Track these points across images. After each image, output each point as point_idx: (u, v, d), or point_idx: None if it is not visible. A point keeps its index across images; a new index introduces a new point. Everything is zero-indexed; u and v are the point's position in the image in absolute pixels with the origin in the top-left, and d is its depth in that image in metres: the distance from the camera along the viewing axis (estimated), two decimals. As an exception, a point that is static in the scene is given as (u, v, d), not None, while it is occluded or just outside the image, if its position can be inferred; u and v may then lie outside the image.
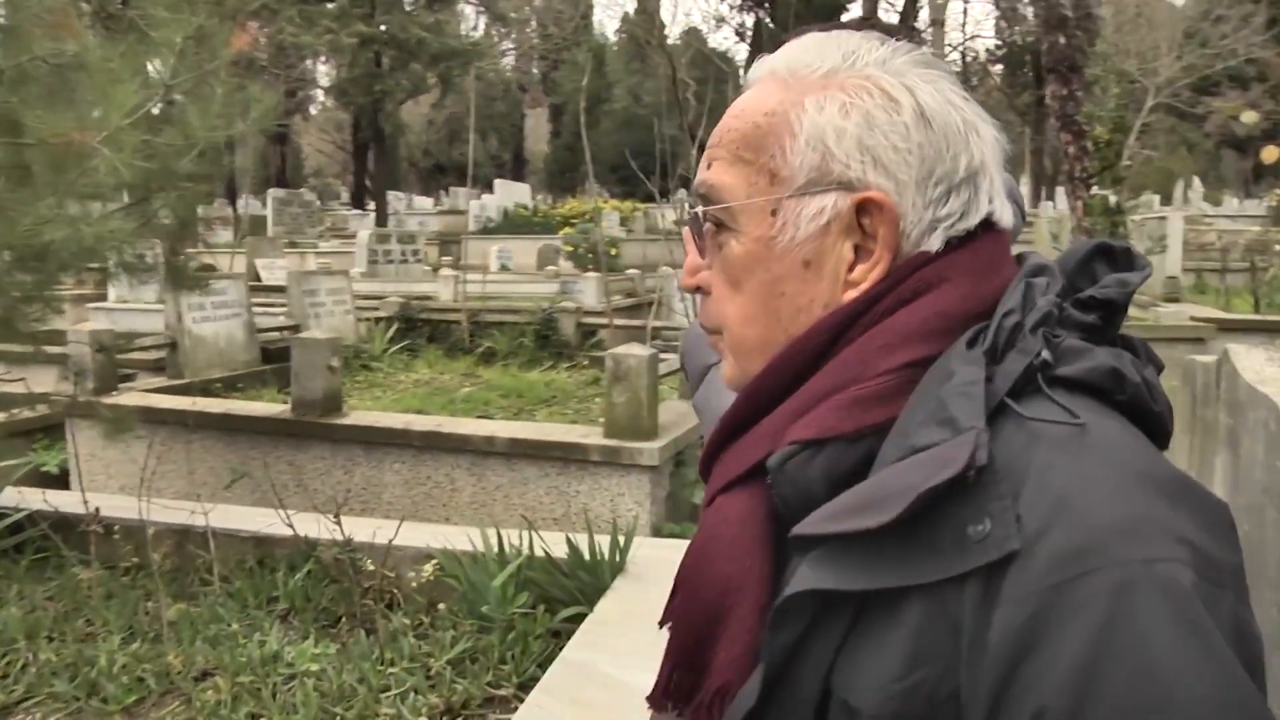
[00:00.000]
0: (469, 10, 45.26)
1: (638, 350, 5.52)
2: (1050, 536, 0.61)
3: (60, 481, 6.40)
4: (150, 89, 4.13)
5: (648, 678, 2.44)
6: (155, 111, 4.31)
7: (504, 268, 18.95)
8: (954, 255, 0.79)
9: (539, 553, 3.89)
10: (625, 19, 53.49)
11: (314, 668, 3.45)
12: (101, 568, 4.32)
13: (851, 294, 0.80)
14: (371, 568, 4.05)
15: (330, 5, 28.66)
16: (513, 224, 26.42)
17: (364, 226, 28.65)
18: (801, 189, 0.80)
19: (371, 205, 37.12)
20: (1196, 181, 32.02)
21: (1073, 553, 0.60)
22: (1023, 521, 0.62)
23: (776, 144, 0.81)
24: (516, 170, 54.55)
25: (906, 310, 0.77)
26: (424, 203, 40.29)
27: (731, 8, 47.78)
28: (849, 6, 41.73)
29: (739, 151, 0.83)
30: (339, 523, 3.98)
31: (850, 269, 0.80)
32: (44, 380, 6.20)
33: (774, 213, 0.81)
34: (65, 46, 4.09)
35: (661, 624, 0.84)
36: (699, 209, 0.85)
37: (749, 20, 47.30)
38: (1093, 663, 0.57)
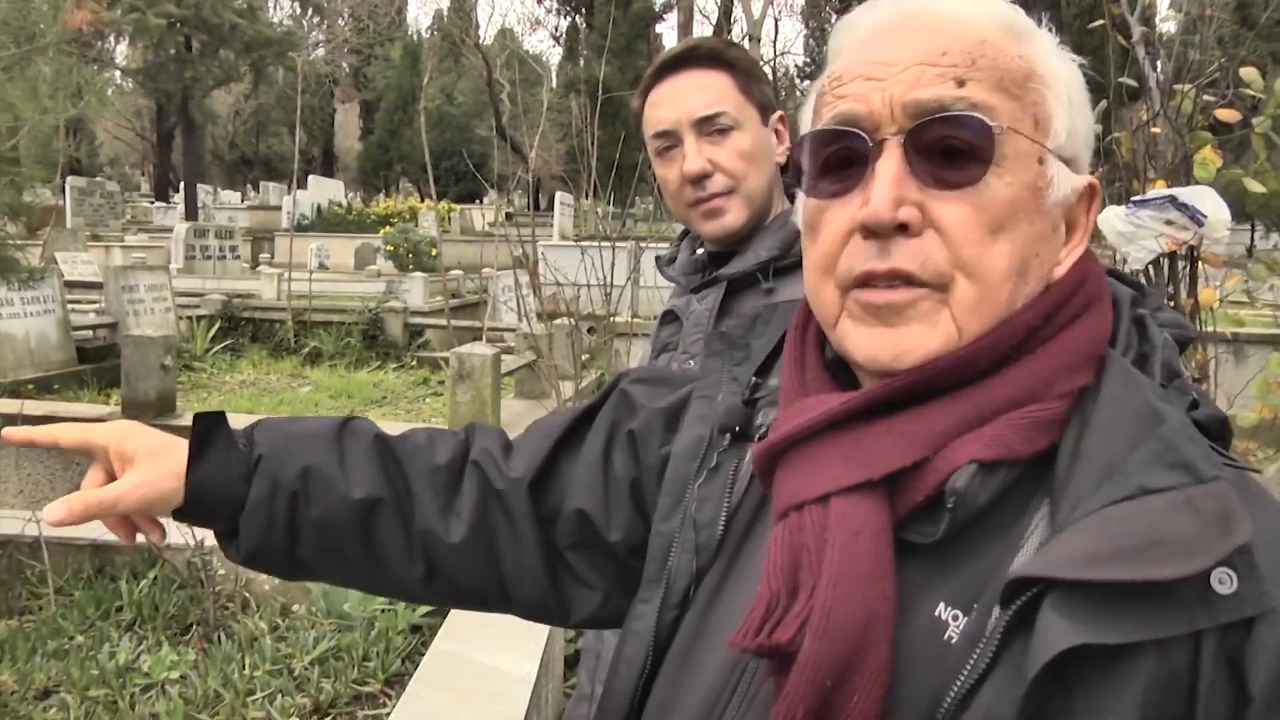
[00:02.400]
0: (282, -2, 43.97)
1: (481, 349, 5.60)
2: None
3: None
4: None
5: (519, 663, 2.57)
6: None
7: (321, 266, 18.55)
8: (1097, 266, 0.78)
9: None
10: (439, 17, 52.93)
11: (174, 675, 3.38)
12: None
13: (1059, 271, 0.76)
14: (223, 571, 4.00)
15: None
16: (327, 222, 25.88)
17: (170, 220, 27.48)
18: (1059, 150, 0.75)
19: (176, 197, 35.56)
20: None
21: None
22: (1261, 572, 0.61)
23: (1039, 90, 0.75)
24: (326, 166, 53.14)
25: (1077, 329, 0.74)
26: (231, 196, 38.94)
27: (548, 11, 48.03)
28: (665, 16, 42.58)
29: (1003, 82, 0.73)
30: (190, 526, 3.91)
31: (1060, 249, 0.77)
32: None
33: (1041, 160, 0.74)
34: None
35: (761, 651, 0.71)
36: (957, 123, 0.72)
37: (564, 24, 47.67)
38: None
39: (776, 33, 46.65)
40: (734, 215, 1.64)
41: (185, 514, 1.00)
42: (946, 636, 0.68)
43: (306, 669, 3.45)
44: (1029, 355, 0.72)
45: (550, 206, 28.22)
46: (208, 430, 1.01)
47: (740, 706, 0.75)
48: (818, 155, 0.77)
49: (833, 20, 41.30)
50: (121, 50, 39.34)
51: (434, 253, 17.24)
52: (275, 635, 3.73)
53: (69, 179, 23.88)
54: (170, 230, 23.49)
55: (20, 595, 4.13)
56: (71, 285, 12.17)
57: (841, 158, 0.75)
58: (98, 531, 4.27)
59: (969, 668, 0.64)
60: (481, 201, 41.38)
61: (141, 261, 11.68)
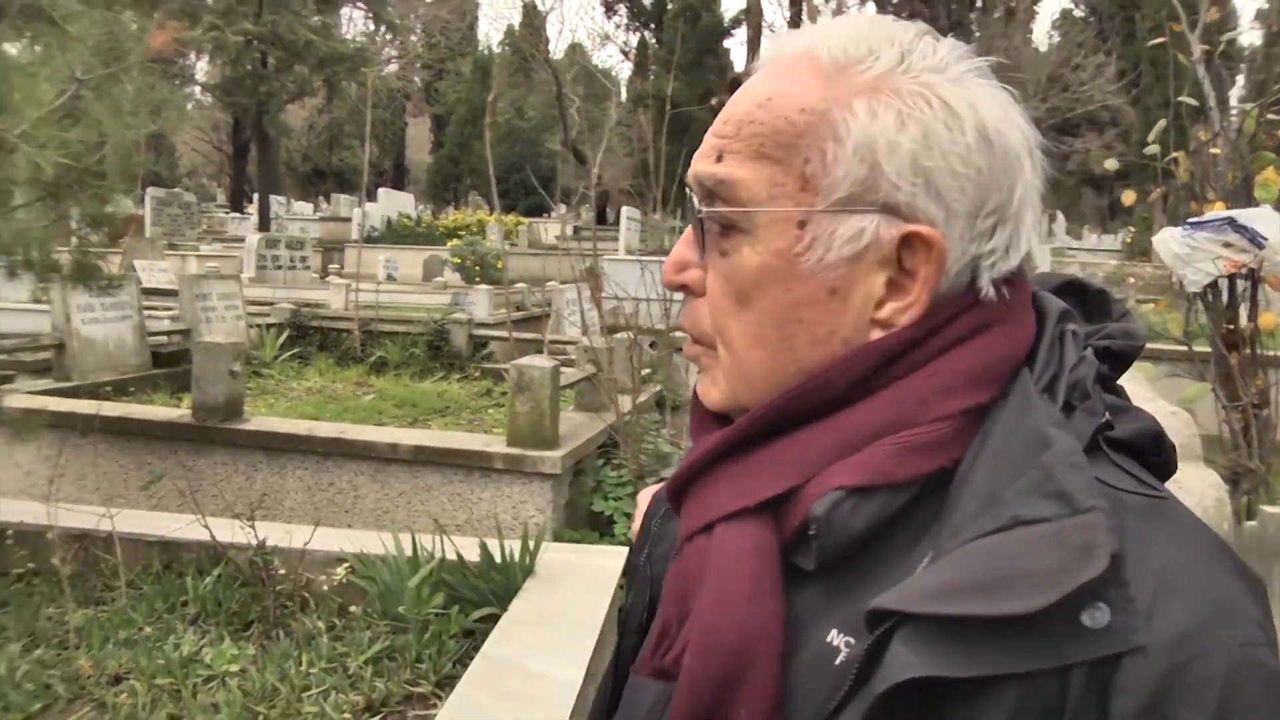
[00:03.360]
0: (355, 15, 44.78)
1: (541, 361, 5.68)
2: (1157, 620, 0.60)
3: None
4: (63, 84, 4.14)
5: (566, 670, 2.64)
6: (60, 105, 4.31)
7: (390, 277, 18.87)
8: (997, 301, 0.73)
9: (450, 556, 4.01)
10: (510, 32, 53.53)
11: (234, 668, 3.50)
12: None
13: (878, 334, 0.72)
14: (284, 571, 4.12)
15: (215, 1, 28.05)
16: (396, 233, 26.29)
17: (244, 230, 28.10)
18: (840, 204, 0.71)
19: (250, 208, 36.37)
20: (1060, 216, 33.73)
21: (1181, 637, 0.59)
22: (1136, 605, 0.60)
23: (815, 147, 0.71)
24: (397, 179, 54.00)
25: (962, 350, 0.71)
26: (303, 208, 39.72)
27: (617, 26, 48.39)
28: (733, 31, 42.71)
29: (764, 148, 0.72)
30: (253, 526, 4.04)
31: (879, 305, 0.72)
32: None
33: (802, 225, 0.72)
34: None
35: (655, 673, 0.76)
36: (701, 207, 0.75)
37: (634, 39, 48.00)
38: None
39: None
40: None
41: None
42: (838, 661, 0.67)
43: (361, 668, 3.54)
44: (898, 379, 0.71)
45: (618, 221, 28.37)
46: None
47: None
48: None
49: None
50: (201, 66, 40.39)
51: (500, 265, 17.47)
52: (332, 634, 3.83)
53: (149, 190, 24.54)
54: (244, 240, 24.08)
55: (95, 587, 4.29)
56: (148, 292, 12.54)
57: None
58: (165, 528, 4.45)
59: (838, 694, 0.64)
60: (549, 215, 41.82)
61: (215, 270, 12.03)
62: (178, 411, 6.25)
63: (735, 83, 1.79)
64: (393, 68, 50.70)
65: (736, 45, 46.59)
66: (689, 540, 0.75)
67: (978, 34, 32.50)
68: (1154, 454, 0.72)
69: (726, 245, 0.73)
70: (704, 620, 0.70)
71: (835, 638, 0.69)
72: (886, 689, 0.60)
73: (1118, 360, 0.75)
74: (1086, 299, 0.81)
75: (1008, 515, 0.63)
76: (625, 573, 4.37)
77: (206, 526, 4.00)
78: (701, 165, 0.76)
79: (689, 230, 0.77)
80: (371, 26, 44.93)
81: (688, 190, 0.77)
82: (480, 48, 55.76)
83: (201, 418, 5.81)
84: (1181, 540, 0.65)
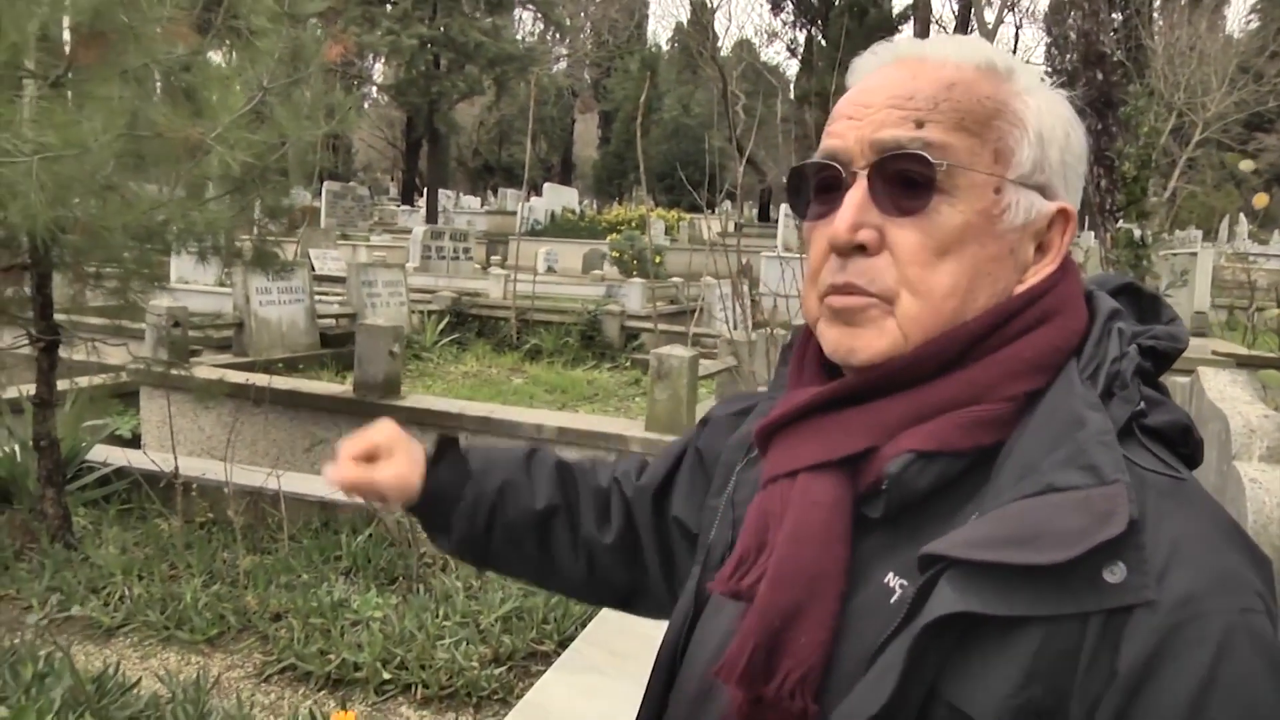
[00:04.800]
0: (524, 16, 45.89)
1: (680, 351, 5.90)
2: (1168, 581, 0.68)
3: (132, 445, 6.86)
4: (251, 91, 4.55)
5: None
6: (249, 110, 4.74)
7: (550, 269, 19.39)
8: (1068, 284, 0.86)
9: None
10: (678, 29, 53.94)
11: (377, 615, 3.84)
12: (180, 520, 4.76)
13: (1020, 288, 0.85)
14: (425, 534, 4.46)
15: (392, 7, 29.32)
16: (560, 227, 26.90)
17: (413, 222, 29.22)
18: (1022, 178, 0.84)
19: (420, 201, 37.75)
20: (1243, 219, 31.82)
21: (1186, 598, 0.67)
22: (1149, 566, 0.69)
23: (1005, 127, 0.84)
24: (564, 174, 55.04)
25: (1029, 339, 0.82)
26: (471, 201, 40.89)
27: (784, 24, 48.18)
28: (901, 27, 42.02)
29: (963, 122, 0.83)
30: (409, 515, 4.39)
31: (1027, 269, 0.86)
32: (113, 353, 6.65)
33: (998, 190, 0.83)
34: (177, 50, 4.55)
35: (730, 592, 0.86)
36: (910, 159, 0.82)
37: (801, 36, 47.71)
38: (1203, 692, 0.66)
39: (1016, 40, 45.02)
40: None
41: (415, 506, 1.23)
42: (892, 600, 0.78)
43: (492, 625, 3.83)
44: (974, 362, 0.81)
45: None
46: (443, 447, 1.25)
47: None
48: (807, 183, 0.90)
49: (1079, 23, 39.65)
50: (378, 68, 42.09)
51: (658, 260, 17.76)
52: (468, 594, 4.13)
53: (325, 184, 25.81)
54: (412, 232, 25.07)
55: (262, 537, 4.72)
56: (321, 279, 13.30)
57: (825, 186, 0.88)
58: (326, 491, 4.84)
59: (890, 626, 0.74)
60: (713, 211, 42.00)
61: (382, 260, 12.66)
62: (340, 387, 6.72)
63: None
64: (562, 66, 51.79)
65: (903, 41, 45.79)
66: (773, 481, 0.87)
67: (1159, 21, 30.97)
68: (1181, 444, 0.81)
69: (917, 204, 0.82)
70: (780, 555, 0.81)
71: (892, 580, 0.79)
72: (931, 621, 0.70)
73: (1161, 358, 0.83)
74: (1141, 302, 0.90)
75: (1043, 482, 0.73)
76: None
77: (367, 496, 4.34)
78: (898, 131, 0.83)
79: (855, 194, 0.84)
80: (541, 27, 46.01)
81: (839, 167, 0.86)
82: (649, 45, 56.37)
83: (362, 394, 6.25)
84: (1196, 516, 0.73)
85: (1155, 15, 31.70)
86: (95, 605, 4.02)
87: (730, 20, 74.86)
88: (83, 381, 6.28)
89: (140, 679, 3.37)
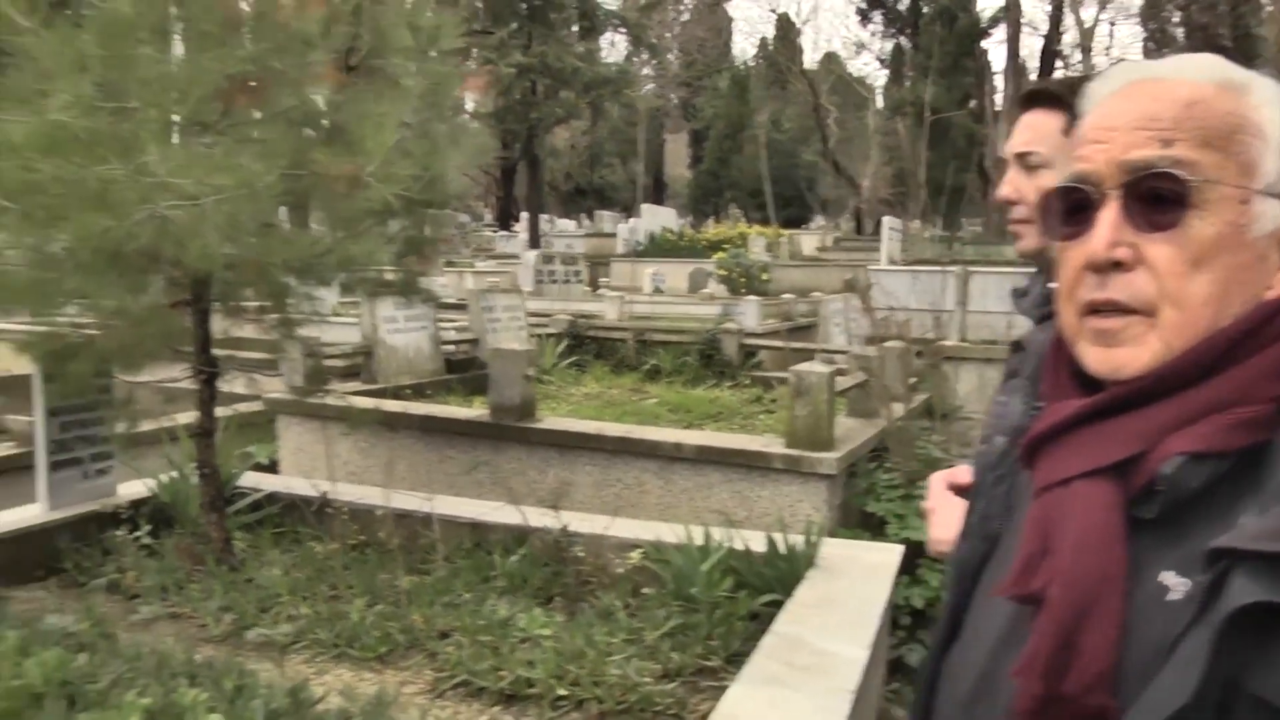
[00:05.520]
0: (615, 39, 46.30)
1: (819, 367, 5.89)
2: None
3: (271, 471, 7.08)
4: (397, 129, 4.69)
5: (851, 649, 2.84)
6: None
7: (657, 290, 19.50)
8: None
9: (737, 546, 4.29)
10: (763, 45, 53.92)
11: (545, 632, 3.89)
12: (336, 543, 4.89)
13: (1271, 294, 0.89)
14: (581, 554, 4.52)
15: (489, 36, 29.85)
16: (659, 247, 27.03)
17: (512, 247, 29.65)
18: (1268, 189, 0.89)
19: (515, 226, 38.29)
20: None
21: None
22: None
23: (1247, 141, 0.89)
24: (656, 194, 55.36)
25: None
26: (566, 224, 41.34)
27: (873, 34, 47.83)
28: (991, 31, 41.37)
29: (1208, 139, 0.88)
30: (557, 513, 4.48)
31: (1272, 275, 0.91)
32: (265, 384, 6.84)
33: (1244, 202, 0.88)
34: (319, 92, 4.73)
35: (1020, 597, 0.91)
36: (1162, 178, 0.88)
37: (889, 46, 47.28)
38: None
39: (1111, 39, 43.94)
40: (1027, 241, 1.87)
41: None
42: (1168, 598, 0.83)
43: (657, 641, 3.86)
44: (1235, 365, 0.86)
45: (876, 231, 28.12)
46: None
47: (1013, 648, 0.93)
48: (1059, 205, 0.96)
49: (1174, 19, 38.57)
50: (469, 96, 42.78)
51: (765, 277, 17.80)
52: (627, 611, 4.17)
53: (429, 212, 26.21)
54: (513, 256, 25.44)
55: (415, 559, 4.83)
56: (437, 306, 13.55)
57: (1075, 207, 0.94)
58: (475, 512, 4.94)
59: (1181, 622, 0.78)
60: (808, 226, 41.83)
61: (491, 285, 12.86)
62: (477, 411, 6.84)
63: (1020, 91, 1.97)
64: (650, 87, 52.12)
65: (995, 45, 45.08)
66: (1046, 490, 0.93)
67: (1269, 7, 29.99)
68: None
69: (1170, 220, 0.88)
70: (1066, 558, 0.87)
71: (1168, 577, 0.84)
72: (1233, 611, 0.73)
73: None
74: None
75: None
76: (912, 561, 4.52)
77: (521, 511, 4.44)
78: (1146, 151, 0.90)
79: (1109, 213, 0.91)
80: (630, 49, 46.34)
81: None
82: (736, 63, 56.46)
83: (498, 417, 6.35)
84: None
85: (1264, 1, 30.79)
86: (267, 623, 4.14)
87: (817, 34, 74.47)
88: (225, 412, 6.50)
89: (325, 694, 3.46)
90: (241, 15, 4.48)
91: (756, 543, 4.33)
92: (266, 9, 4.52)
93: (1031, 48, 43.10)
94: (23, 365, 6.45)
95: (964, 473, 1.79)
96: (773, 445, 5.82)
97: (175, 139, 4.14)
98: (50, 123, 3.91)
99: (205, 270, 4.06)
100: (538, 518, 4.67)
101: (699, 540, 4.34)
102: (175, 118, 3.98)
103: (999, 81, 37.81)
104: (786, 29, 48.25)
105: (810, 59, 48.56)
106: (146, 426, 5.39)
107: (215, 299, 4.72)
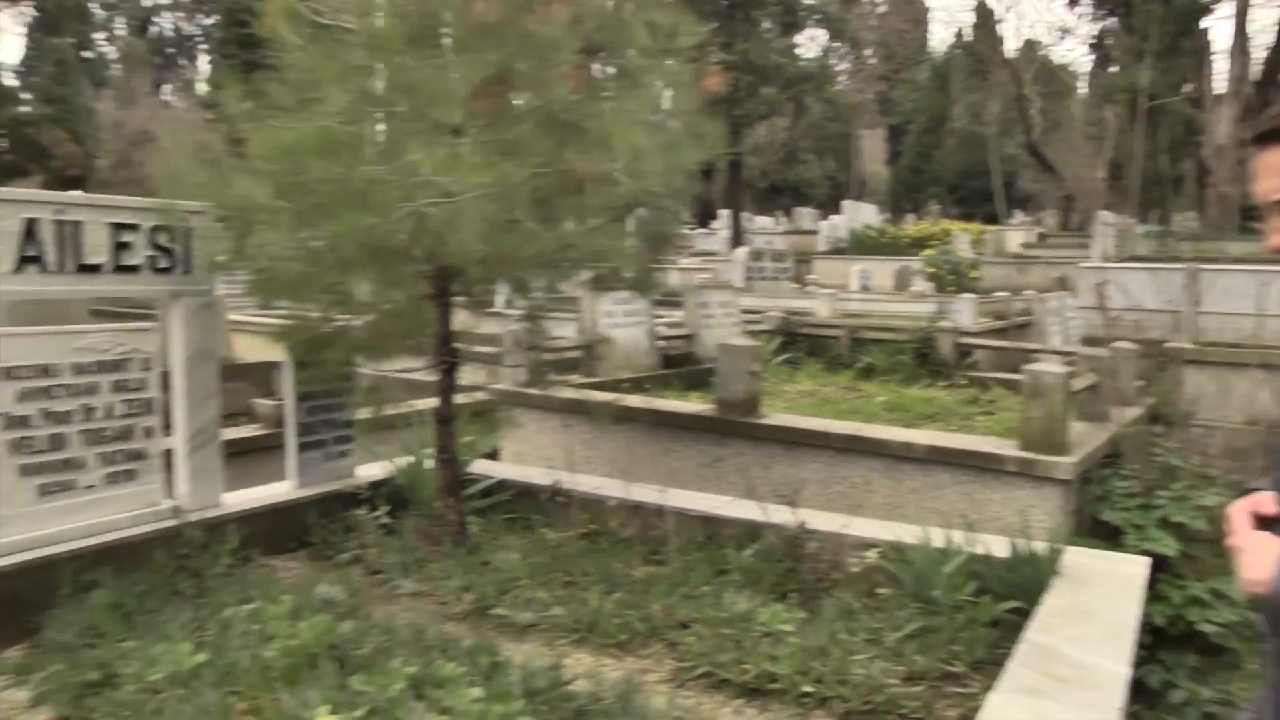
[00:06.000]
0: (812, 34, 45.81)
1: (1054, 367, 5.69)
2: None
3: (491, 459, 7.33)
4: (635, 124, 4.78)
5: (1112, 663, 2.73)
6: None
7: (864, 287, 19.25)
8: None
9: (977, 550, 4.19)
10: (959, 35, 52.31)
11: (786, 628, 3.90)
12: (572, 531, 5.03)
13: None
14: (815, 549, 4.51)
15: (693, 37, 30.05)
16: (861, 244, 26.66)
17: (710, 244, 29.78)
18: None
19: (713, 224, 38.43)
20: None
21: None
22: None
23: None
24: (853, 191, 54.57)
25: None
26: (764, 222, 41.24)
27: (1080, 16, 45.50)
28: (1213, 8, 38.72)
29: None
30: (794, 509, 4.48)
31: None
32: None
33: None
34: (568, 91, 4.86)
35: None
36: None
37: (1097, 29, 44.90)
38: None
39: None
40: None
41: None
42: None
43: (899, 643, 3.81)
44: None
45: (1083, 226, 26.91)
46: None
47: None
48: None
49: None
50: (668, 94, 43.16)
51: (974, 275, 17.32)
52: (867, 610, 4.13)
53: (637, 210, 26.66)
54: (712, 253, 25.52)
55: (647, 550, 4.91)
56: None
57: None
58: (707, 505, 4.99)
59: None
60: (1009, 221, 40.39)
61: (704, 281, 12.95)
62: (702, 406, 6.91)
63: (1250, 124, 1.80)
64: (845, 81, 51.34)
65: (1217, 23, 42.19)
66: None
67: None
68: None
69: None
70: None
71: None
72: None
73: None
74: None
75: None
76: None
77: (762, 507, 4.46)
78: None
79: None
80: (829, 43, 45.82)
81: None
82: (934, 54, 55.04)
83: (724, 412, 6.40)
84: None
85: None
86: (507, 605, 4.29)
87: (1019, 20, 71.60)
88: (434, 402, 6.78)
89: (574, 678, 3.56)
90: (491, 21, 4.65)
91: (997, 547, 4.22)
92: (514, 14, 4.68)
93: (1263, 21, 40.18)
94: (263, 352, 6.88)
95: (1268, 501, 1.68)
96: (1005, 447, 5.66)
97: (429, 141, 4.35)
98: (319, 128, 4.17)
99: (459, 264, 4.26)
100: (773, 513, 4.68)
101: (938, 542, 4.27)
102: (436, 121, 4.17)
103: (1220, 63, 35.50)
104: (987, 17, 46.49)
105: (1010, 47, 46.57)
106: (383, 413, 5.69)
107: (456, 293, 4.93)
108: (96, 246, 4.45)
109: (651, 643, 4.05)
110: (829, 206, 46.96)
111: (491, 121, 4.39)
